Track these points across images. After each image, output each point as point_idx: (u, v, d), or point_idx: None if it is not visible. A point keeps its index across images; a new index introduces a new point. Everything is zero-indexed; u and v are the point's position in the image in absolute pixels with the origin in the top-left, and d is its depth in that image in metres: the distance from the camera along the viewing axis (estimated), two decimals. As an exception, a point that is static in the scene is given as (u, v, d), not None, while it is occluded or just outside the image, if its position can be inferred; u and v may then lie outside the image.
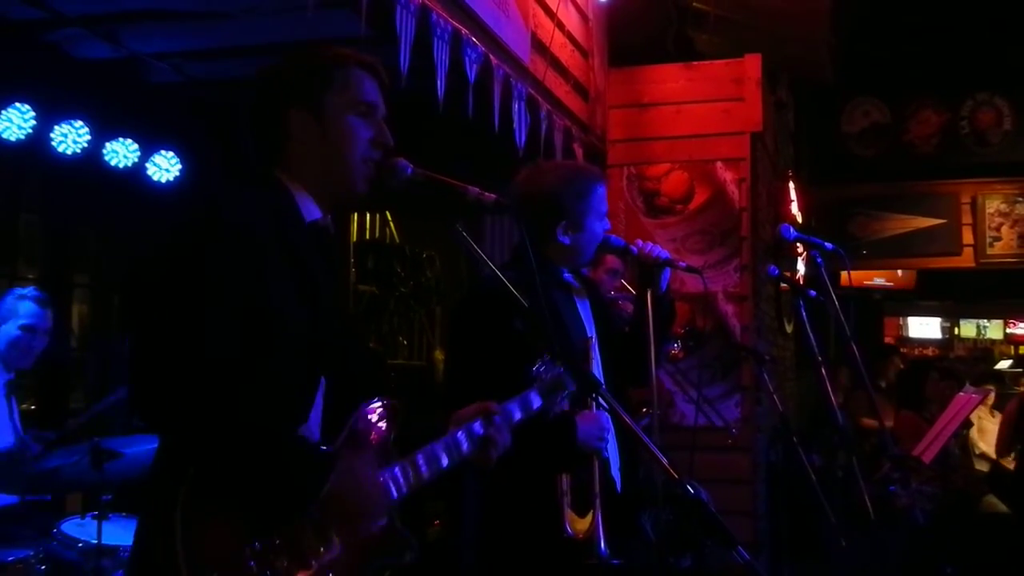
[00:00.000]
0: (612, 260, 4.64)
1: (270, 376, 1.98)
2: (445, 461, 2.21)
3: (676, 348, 5.70)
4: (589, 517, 2.79)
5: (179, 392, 1.84)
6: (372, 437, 2.13)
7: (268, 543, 1.88)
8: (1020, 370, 11.03)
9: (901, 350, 11.89)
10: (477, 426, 2.29)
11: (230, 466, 1.87)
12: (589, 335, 3.03)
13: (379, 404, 2.16)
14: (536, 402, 2.51)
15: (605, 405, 2.17)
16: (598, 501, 2.80)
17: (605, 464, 2.94)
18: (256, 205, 2.07)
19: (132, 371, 1.88)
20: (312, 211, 2.19)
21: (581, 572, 2.77)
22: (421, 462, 2.17)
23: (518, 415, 2.45)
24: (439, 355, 8.65)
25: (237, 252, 1.96)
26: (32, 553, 3.88)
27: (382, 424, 2.15)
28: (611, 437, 2.99)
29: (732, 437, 5.93)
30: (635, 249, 3.18)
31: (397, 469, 2.13)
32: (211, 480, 1.87)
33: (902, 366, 9.11)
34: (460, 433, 2.26)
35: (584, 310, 3.18)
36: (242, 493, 1.88)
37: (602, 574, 2.77)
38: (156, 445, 2.04)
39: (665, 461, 2.04)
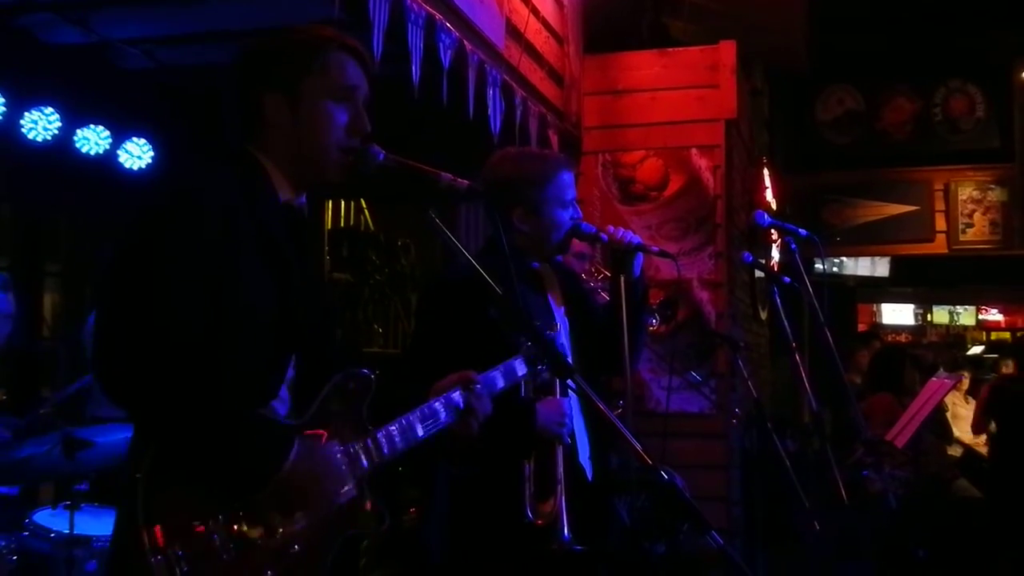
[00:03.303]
0: (578, 244, 4.62)
1: (234, 352, 1.99)
2: (421, 431, 2.22)
3: (655, 323, 5.66)
4: (551, 503, 2.79)
5: (141, 367, 1.85)
6: (343, 409, 2.14)
7: (232, 517, 1.90)
8: (995, 356, 11.11)
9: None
10: (456, 395, 2.30)
11: (190, 441, 1.89)
12: (556, 324, 3.02)
13: (351, 376, 2.17)
14: (520, 370, 2.52)
15: (577, 390, 2.16)
16: (560, 487, 2.79)
17: (572, 451, 2.94)
18: (227, 181, 2.07)
19: (97, 346, 1.90)
20: (286, 191, 2.19)
21: (542, 558, 2.77)
22: (395, 432, 2.18)
23: (501, 383, 2.48)
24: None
25: (204, 229, 1.96)
26: (3, 544, 3.85)
27: (354, 396, 2.16)
28: (580, 424, 2.99)
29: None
30: (605, 236, 3.15)
31: (368, 440, 2.14)
32: (172, 455, 1.89)
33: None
34: (437, 403, 2.27)
35: (553, 299, 3.16)
36: (203, 468, 1.90)
37: (564, 560, 2.77)
38: (130, 434, 2.04)
39: (639, 447, 2.04)
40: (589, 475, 3.04)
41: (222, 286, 1.97)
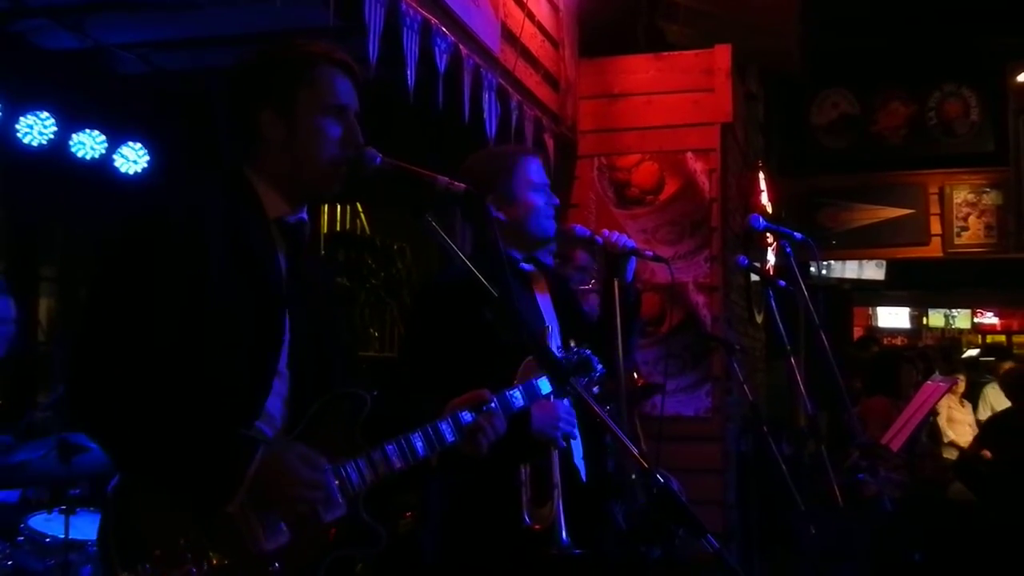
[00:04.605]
0: (581, 256, 4.63)
1: (205, 371, 1.98)
2: (423, 450, 2.20)
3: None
4: (549, 507, 2.79)
5: (94, 387, 1.88)
6: (334, 427, 2.12)
7: (202, 531, 1.90)
8: (992, 359, 11.13)
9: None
10: (465, 415, 2.28)
11: (151, 458, 1.90)
12: (547, 325, 3.03)
13: (344, 395, 2.16)
14: (544, 389, 2.51)
15: (572, 393, 2.17)
16: (557, 491, 2.79)
17: (567, 453, 2.94)
18: (207, 202, 2.07)
19: (67, 364, 1.94)
20: (279, 207, 2.18)
21: (541, 562, 2.77)
22: (391, 451, 2.15)
23: (520, 403, 2.46)
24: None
25: (177, 251, 1.97)
26: (-1, 549, 3.85)
27: (347, 415, 2.14)
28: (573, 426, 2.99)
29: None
30: (600, 240, 3.17)
31: (362, 459, 2.12)
32: (137, 478, 1.91)
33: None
34: (444, 423, 2.25)
35: (543, 300, 3.16)
36: (166, 483, 1.91)
37: (562, 564, 2.77)
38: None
39: (635, 451, 2.04)
40: (583, 476, 3.04)
41: (193, 309, 1.96)
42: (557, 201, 3.22)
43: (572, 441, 2.98)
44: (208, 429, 1.94)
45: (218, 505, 1.91)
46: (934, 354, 10.91)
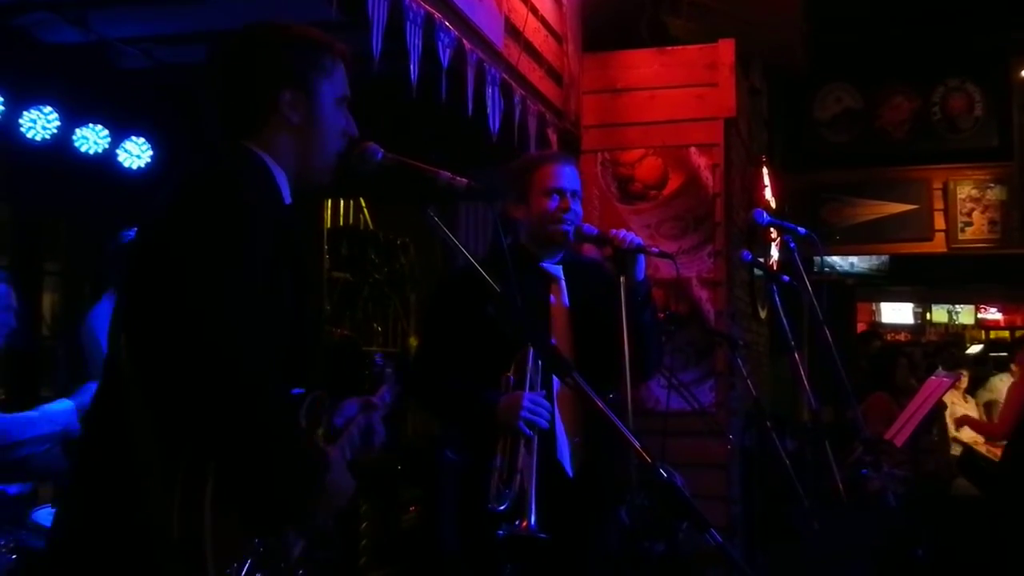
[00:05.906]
0: (589, 253, 4.65)
1: (278, 365, 1.93)
2: (349, 454, 2.24)
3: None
4: (511, 491, 2.85)
5: (217, 389, 1.75)
6: (313, 425, 2.14)
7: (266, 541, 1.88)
8: (1005, 354, 11.08)
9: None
10: (362, 419, 2.33)
11: (261, 465, 1.80)
12: (551, 323, 3.08)
13: (320, 395, 2.17)
14: (388, 396, 2.53)
15: (573, 388, 2.17)
16: (520, 477, 2.85)
17: (545, 446, 2.98)
18: (261, 186, 2.01)
19: (164, 362, 1.77)
20: (288, 194, 2.15)
21: (507, 542, 2.81)
22: (338, 451, 2.19)
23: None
24: (413, 342, 8.64)
25: (259, 238, 1.88)
26: (3, 542, 3.85)
27: (321, 414, 2.19)
28: (558, 423, 3.04)
29: (711, 419, 5.94)
30: (607, 238, 3.18)
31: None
32: (240, 475, 1.80)
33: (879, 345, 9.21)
34: (354, 428, 2.28)
35: (556, 300, 3.18)
36: (266, 491, 1.82)
37: (527, 546, 2.81)
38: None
39: (638, 445, 2.04)
40: (569, 473, 3.07)
41: (272, 301, 1.91)
42: (577, 209, 3.23)
43: (557, 437, 3.03)
44: (301, 441, 1.98)
45: (299, 518, 1.93)
46: (933, 350, 10.90)
